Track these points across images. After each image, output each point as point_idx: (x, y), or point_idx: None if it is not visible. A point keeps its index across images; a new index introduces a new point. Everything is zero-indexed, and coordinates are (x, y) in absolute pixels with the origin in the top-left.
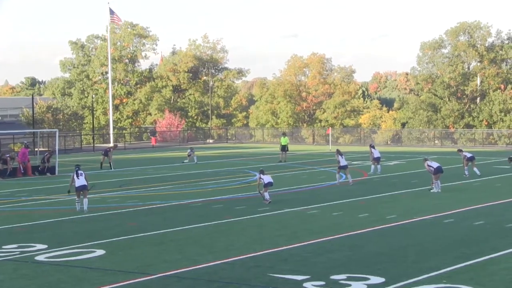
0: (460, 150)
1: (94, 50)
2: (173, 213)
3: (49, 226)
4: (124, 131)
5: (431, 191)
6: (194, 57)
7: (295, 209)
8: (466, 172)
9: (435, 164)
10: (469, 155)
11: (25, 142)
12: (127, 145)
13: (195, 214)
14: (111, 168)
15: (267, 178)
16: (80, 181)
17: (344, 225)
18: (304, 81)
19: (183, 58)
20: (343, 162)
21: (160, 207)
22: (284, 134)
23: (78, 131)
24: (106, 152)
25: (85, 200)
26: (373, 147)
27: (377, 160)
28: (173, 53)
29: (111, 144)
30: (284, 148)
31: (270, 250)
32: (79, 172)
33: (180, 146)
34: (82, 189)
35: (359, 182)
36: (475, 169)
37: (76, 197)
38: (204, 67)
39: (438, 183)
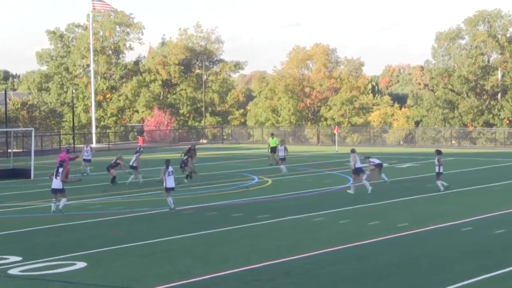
0: (367, 158)
1: (74, 40)
2: (163, 221)
3: (24, 236)
4: (108, 130)
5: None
6: (185, 48)
7: (298, 216)
8: (386, 178)
9: (377, 161)
10: (377, 161)
11: None
12: (111, 146)
13: (187, 222)
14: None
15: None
16: (55, 182)
17: (352, 234)
18: (308, 75)
19: (174, 49)
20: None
21: (148, 214)
22: (272, 135)
23: (56, 130)
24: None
25: (63, 200)
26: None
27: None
28: (163, 44)
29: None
30: (274, 150)
31: (270, 262)
32: (59, 170)
33: (170, 147)
34: (55, 192)
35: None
36: (382, 175)
37: (53, 198)
38: (197, 59)
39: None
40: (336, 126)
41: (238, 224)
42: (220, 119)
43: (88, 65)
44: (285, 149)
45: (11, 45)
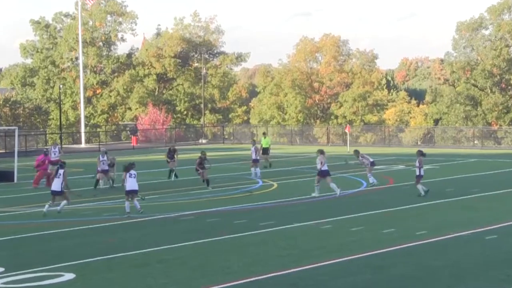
0: (357, 152)
1: (61, 31)
2: (159, 228)
3: (7, 244)
4: (98, 129)
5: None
6: (182, 39)
7: (306, 223)
8: (372, 180)
9: (370, 158)
10: (370, 159)
11: None
12: (102, 146)
13: (185, 229)
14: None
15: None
16: (55, 184)
17: (365, 243)
18: (317, 68)
19: (169, 40)
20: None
21: (143, 221)
22: (264, 135)
23: (42, 129)
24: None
25: (63, 202)
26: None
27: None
28: (157, 34)
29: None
30: (266, 151)
31: (276, 273)
32: (59, 171)
33: (166, 147)
34: (55, 195)
35: (383, 190)
36: (369, 175)
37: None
38: (195, 52)
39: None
40: (348, 125)
41: (241, 232)
42: (220, 116)
43: (76, 58)
44: (256, 150)
45: None
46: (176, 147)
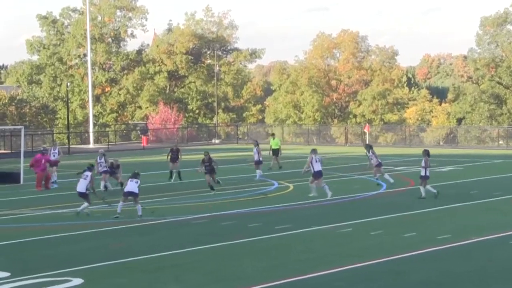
0: (369, 147)
1: (69, 26)
2: (170, 231)
3: (13, 248)
4: (107, 129)
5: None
6: (194, 35)
7: (324, 227)
8: (378, 181)
9: (317, 166)
10: (379, 160)
11: None
12: (111, 147)
13: (198, 233)
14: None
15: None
16: (81, 185)
17: (384, 247)
18: (334, 65)
19: (181, 36)
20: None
21: (154, 225)
22: (273, 135)
23: (49, 129)
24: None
25: (85, 204)
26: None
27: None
28: (169, 30)
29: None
30: (276, 152)
31: (292, 279)
32: (86, 173)
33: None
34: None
35: (403, 192)
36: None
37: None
38: (207, 48)
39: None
40: (367, 124)
41: (256, 236)
42: (234, 116)
43: (84, 55)
44: (259, 151)
45: None
46: (179, 147)
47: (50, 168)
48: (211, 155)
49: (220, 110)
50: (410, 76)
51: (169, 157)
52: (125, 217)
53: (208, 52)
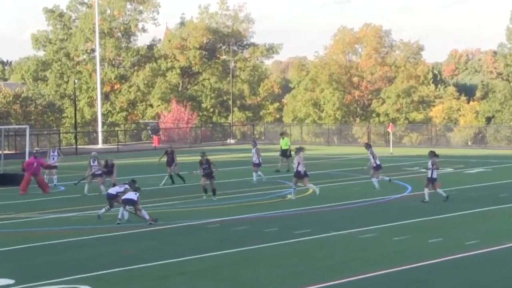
0: (369, 146)
1: (76, 20)
2: (182, 237)
3: (17, 254)
4: (116, 128)
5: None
6: (208, 30)
7: (344, 232)
8: (376, 184)
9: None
10: (378, 161)
11: None
12: (120, 147)
13: (211, 238)
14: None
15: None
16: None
17: (409, 254)
18: (356, 61)
19: (194, 31)
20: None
21: (165, 229)
22: (282, 135)
23: (55, 128)
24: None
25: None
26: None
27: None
28: (181, 24)
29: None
30: (285, 153)
31: (312, 287)
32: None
33: (191, 149)
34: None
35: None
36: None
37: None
38: (222, 43)
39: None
40: (391, 124)
41: (272, 241)
42: (250, 114)
43: (93, 50)
44: (258, 152)
45: (2, 26)
46: (174, 149)
47: (49, 171)
48: (222, 156)
49: (235, 109)
50: (437, 72)
51: (161, 159)
52: (134, 222)
53: (223, 47)
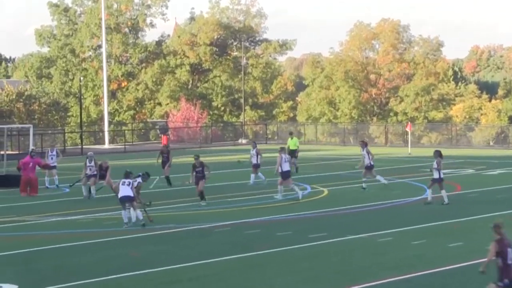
0: (364, 145)
1: (82, 15)
2: (192, 240)
3: (21, 258)
4: (123, 128)
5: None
6: (219, 25)
7: (361, 235)
8: (365, 185)
9: (285, 166)
10: (372, 162)
11: None
12: (128, 147)
13: (221, 242)
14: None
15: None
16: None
17: (428, 258)
18: (373, 58)
19: (204, 26)
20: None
21: (174, 233)
22: (291, 134)
23: (60, 128)
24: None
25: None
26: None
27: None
28: (191, 19)
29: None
30: (293, 154)
31: None
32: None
33: (201, 149)
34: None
35: (448, 198)
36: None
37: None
38: (233, 39)
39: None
40: (409, 123)
41: (286, 245)
42: (263, 113)
43: (99, 46)
44: (258, 153)
45: (4, 21)
46: (170, 149)
47: (49, 171)
48: (233, 156)
49: (247, 107)
50: (457, 69)
51: (158, 160)
52: (144, 224)
53: (235, 43)
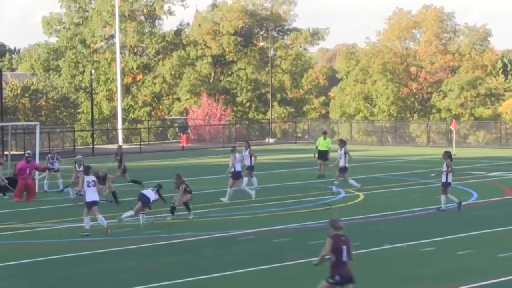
0: (343, 144)
1: (93, 1)
2: (213, 250)
3: (26, 268)
4: (139, 126)
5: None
6: (244, 12)
7: (401, 244)
8: (335, 189)
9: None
10: (347, 164)
11: None
12: (143, 147)
13: (246, 251)
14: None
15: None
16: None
17: (474, 269)
18: (414, 49)
19: (228, 13)
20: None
21: (193, 241)
22: (325, 134)
23: (69, 125)
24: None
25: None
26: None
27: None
28: (213, 6)
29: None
30: (323, 156)
31: None
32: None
33: (224, 149)
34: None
35: (497, 203)
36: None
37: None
38: (260, 28)
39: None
40: (454, 120)
41: (317, 255)
42: (292, 110)
43: (112, 36)
44: (252, 154)
45: (9, 9)
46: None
47: (53, 175)
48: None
49: (275, 103)
50: (507, 61)
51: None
52: (160, 232)
53: (261, 33)
